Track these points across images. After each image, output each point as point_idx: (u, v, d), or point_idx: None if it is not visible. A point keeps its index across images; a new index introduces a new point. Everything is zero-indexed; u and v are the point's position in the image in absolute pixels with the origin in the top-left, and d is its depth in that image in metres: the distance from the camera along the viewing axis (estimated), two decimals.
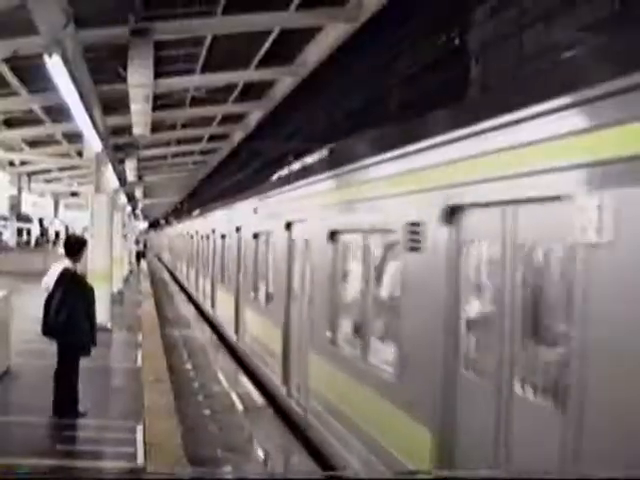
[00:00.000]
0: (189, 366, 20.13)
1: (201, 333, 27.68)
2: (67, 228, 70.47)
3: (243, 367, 20.70)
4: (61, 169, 42.89)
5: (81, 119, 18.05)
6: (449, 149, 8.11)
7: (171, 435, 12.42)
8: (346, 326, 12.09)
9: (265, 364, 17.75)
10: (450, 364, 7.97)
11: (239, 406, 15.81)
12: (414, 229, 8.89)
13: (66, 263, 13.37)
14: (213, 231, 24.46)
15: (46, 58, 12.28)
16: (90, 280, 24.86)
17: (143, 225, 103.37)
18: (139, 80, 15.36)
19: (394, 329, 9.76)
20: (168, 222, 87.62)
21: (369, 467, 10.01)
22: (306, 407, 13.72)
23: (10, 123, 27.43)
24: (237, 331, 22.74)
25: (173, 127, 30.21)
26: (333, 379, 12.15)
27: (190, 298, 39.90)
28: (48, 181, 48.12)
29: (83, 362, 18.54)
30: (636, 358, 5.17)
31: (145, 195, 54.46)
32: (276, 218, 16.90)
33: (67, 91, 14.84)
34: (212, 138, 36.44)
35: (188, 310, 35.88)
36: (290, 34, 19.06)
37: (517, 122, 6.76)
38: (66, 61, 12.72)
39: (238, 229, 22.83)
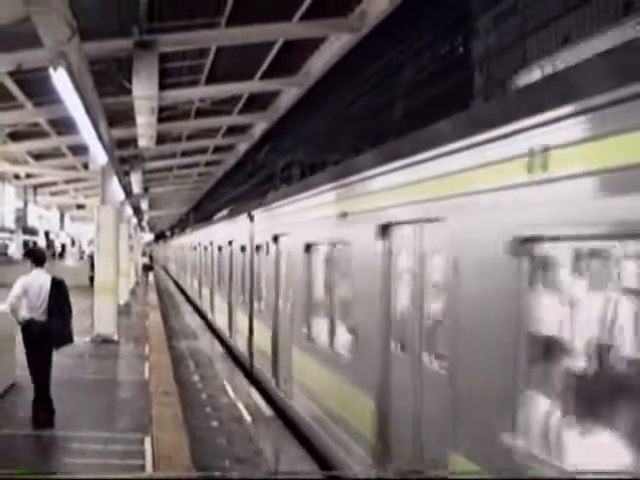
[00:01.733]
0: (196, 377, 20.08)
1: (207, 344, 27.62)
2: (73, 241, 70.56)
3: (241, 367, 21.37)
4: (67, 182, 42.96)
5: (87, 132, 18.08)
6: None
7: (179, 447, 12.41)
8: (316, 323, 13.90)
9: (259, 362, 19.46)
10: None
11: (247, 417, 15.77)
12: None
13: (44, 273, 13.63)
14: (230, 243, 24.99)
15: (51, 71, 12.31)
16: (96, 292, 25.09)
17: (149, 237, 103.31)
18: (144, 92, 15.39)
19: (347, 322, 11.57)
20: (174, 234, 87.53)
21: (330, 431, 12.04)
22: (290, 394, 15.55)
23: (15, 136, 27.47)
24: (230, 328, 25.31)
25: (178, 139, 30.26)
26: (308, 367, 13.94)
27: (196, 308, 39.99)
28: (54, 194, 48.18)
29: (91, 375, 18.68)
30: None
31: (151, 207, 54.54)
32: (267, 231, 18.21)
33: (72, 104, 14.88)
34: (217, 149, 36.49)
35: (194, 321, 35.83)
36: (294, 45, 19.12)
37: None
38: (71, 74, 12.75)
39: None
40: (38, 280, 13.45)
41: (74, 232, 69.47)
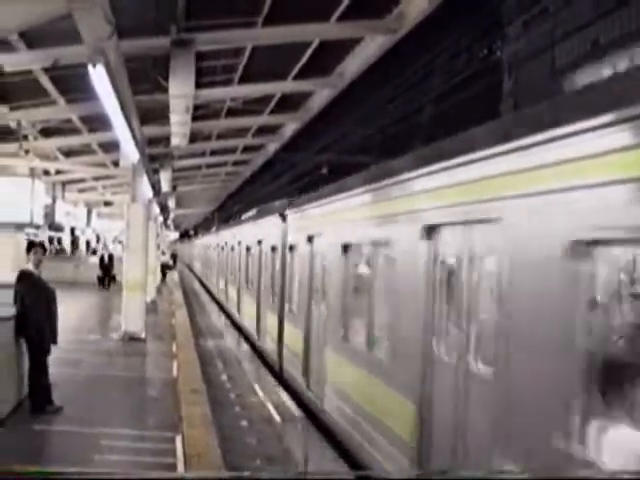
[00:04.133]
0: (224, 377, 20.06)
1: (233, 344, 27.62)
2: (98, 237, 70.67)
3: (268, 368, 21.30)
4: (95, 178, 43.06)
5: (120, 129, 18.10)
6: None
7: (210, 445, 12.38)
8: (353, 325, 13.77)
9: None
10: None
11: (276, 416, 15.74)
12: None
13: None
14: (259, 242, 24.86)
15: (90, 68, 12.31)
16: (125, 289, 25.11)
17: (174, 235, 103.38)
18: (180, 91, 15.35)
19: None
20: (199, 232, 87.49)
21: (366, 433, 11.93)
22: (321, 396, 15.36)
23: (46, 132, 27.52)
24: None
25: (208, 138, 30.22)
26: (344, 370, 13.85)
27: (221, 307, 39.93)
28: (82, 190, 48.30)
29: (119, 372, 18.69)
30: None
31: (177, 205, 54.59)
32: (301, 232, 18.11)
33: (108, 101, 14.89)
34: (246, 149, 36.46)
35: (219, 320, 35.85)
36: (329, 46, 19.04)
37: None
38: (109, 71, 12.75)
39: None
40: None
41: (99, 229, 69.53)
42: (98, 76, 12.73)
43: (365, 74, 20.61)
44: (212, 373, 20.12)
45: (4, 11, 10.45)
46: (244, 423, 15.06)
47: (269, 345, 22.20)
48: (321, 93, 23.65)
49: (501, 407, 7.40)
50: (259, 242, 24.78)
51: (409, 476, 7.68)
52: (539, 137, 6.88)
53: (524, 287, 7.02)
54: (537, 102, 9.37)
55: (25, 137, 26.63)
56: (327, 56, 19.92)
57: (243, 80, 21.06)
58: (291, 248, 19.55)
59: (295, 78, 21.50)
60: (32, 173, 32.73)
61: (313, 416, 15.67)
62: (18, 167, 31.00)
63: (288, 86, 22.45)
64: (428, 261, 9.65)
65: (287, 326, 19.61)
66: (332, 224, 15.16)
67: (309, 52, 19.22)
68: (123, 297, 24.91)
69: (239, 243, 31.45)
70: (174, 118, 18.52)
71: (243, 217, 34.77)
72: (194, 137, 27.43)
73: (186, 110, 17.33)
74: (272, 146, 35.15)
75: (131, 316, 24.63)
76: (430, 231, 9.52)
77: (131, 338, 23.84)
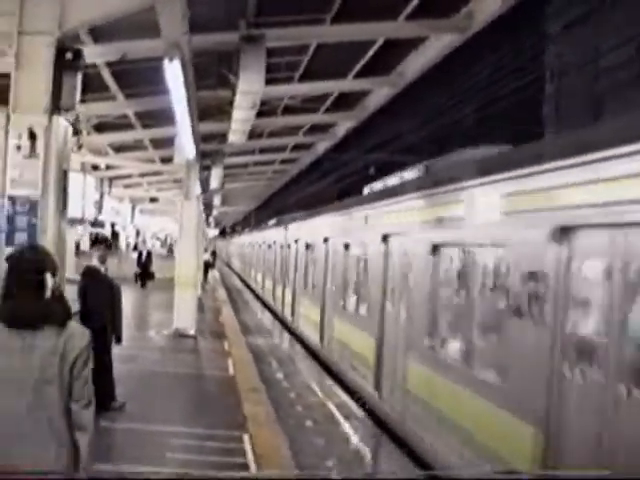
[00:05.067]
0: (281, 375, 19.95)
1: (284, 341, 27.54)
2: (138, 233, 70.87)
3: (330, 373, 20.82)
4: (141, 175, 43.02)
5: (183, 125, 18.06)
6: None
7: (278, 445, 12.29)
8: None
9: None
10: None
11: (338, 416, 15.60)
12: None
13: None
14: (325, 240, 23.38)
15: (165, 62, 12.24)
16: (177, 286, 25.11)
17: (213, 232, 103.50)
18: (250, 87, 15.20)
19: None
20: (242, 230, 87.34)
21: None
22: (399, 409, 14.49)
23: (100, 127, 27.49)
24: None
25: (260, 135, 30.06)
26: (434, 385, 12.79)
27: (267, 307, 39.64)
28: (127, 186, 48.31)
29: (175, 369, 18.65)
30: None
31: (222, 203, 54.59)
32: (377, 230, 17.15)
33: (178, 96, 14.82)
34: (296, 147, 36.30)
35: (265, 318, 35.82)
36: (392, 44, 18.84)
37: None
38: (184, 66, 12.68)
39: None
40: None
41: (140, 225, 69.67)
42: (173, 70, 12.65)
43: (427, 74, 20.35)
44: (267, 372, 19.99)
45: (88, 4, 10.37)
46: (309, 423, 14.92)
47: (336, 352, 20.79)
48: (379, 92, 23.43)
49: None
50: (325, 240, 23.75)
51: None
52: None
53: None
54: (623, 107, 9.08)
55: (79, 132, 26.60)
56: (389, 55, 19.70)
57: (304, 78, 20.92)
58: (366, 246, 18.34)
59: (356, 77, 21.31)
60: (83, 168, 32.82)
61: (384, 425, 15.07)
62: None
63: (348, 85, 22.27)
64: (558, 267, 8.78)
65: (357, 333, 18.58)
66: (417, 224, 14.19)
67: (372, 51, 19.03)
68: (175, 293, 24.92)
69: (296, 241, 30.65)
70: (238, 115, 18.33)
71: (300, 215, 33.65)
72: (249, 134, 27.26)
73: (252, 107, 17.18)
74: (322, 145, 34.97)
75: (182, 313, 24.65)
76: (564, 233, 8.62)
77: (181, 335, 23.85)
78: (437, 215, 13.00)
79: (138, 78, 19.40)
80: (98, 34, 15.01)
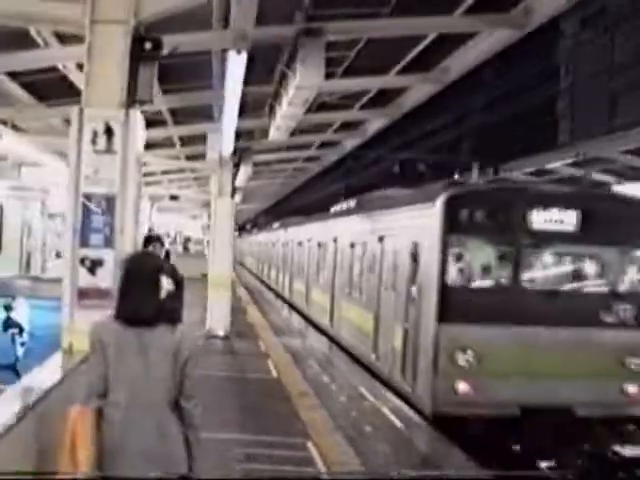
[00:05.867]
0: (325, 378, 19.35)
1: (318, 342, 27.00)
2: (150, 229, 70.50)
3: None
4: (164, 172, 42.60)
5: (228, 120, 17.69)
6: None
7: (343, 452, 11.91)
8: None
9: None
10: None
11: (396, 422, 15.08)
12: None
13: None
14: (380, 239, 22.33)
15: (231, 54, 11.81)
16: (210, 286, 24.75)
17: None
18: (307, 82, 14.66)
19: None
20: (259, 227, 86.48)
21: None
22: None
23: None
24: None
25: (292, 133, 29.54)
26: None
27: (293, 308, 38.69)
28: (148, 184, 47.85)
29: (217, 372, 18.22)
30: None
31: (243, 200, 54.07)
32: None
33: (233, 90, 14.42)
34: (322, 145, 35.71)
35: (293, 317, 35.33)
36: (440, 39, 18.33)
37: None
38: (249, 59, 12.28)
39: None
40: None
41: (157, 223, 69.31)
42: (238, 63, 12.23)
43: (474, 70, 19.85)
44: (309, 373, 19.53)
45: None
46: (368, 429, 14.40)
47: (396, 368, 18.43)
48: (418, 89, 22.87)
49: None
50: (380, 239, 21.41)
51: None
52: None
53: None
54: None
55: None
56: (434, 51, 19.20)
57: (346, 74, 20.41)
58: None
59: (398, 73, 20.82)
60: None
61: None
62: None
63: (389, 81, 21.78)
64: None
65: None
66: None
67: (422, 45, 18.52)
68: (209, 294, 24.59)
69: (335, 240, 28.46)
70: (287, 110, 17.79)
71: (340, 210, 32.16)
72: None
73: (304, 103, 16.71)
74: (349, 143, 34.46)
75: (215, 313, 24.32)
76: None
77: (213, 336, 23.51)
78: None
79: (179, 73, 18.95)
80: (150, 26, 14.63)
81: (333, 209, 35.20)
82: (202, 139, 26.70)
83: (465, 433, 14.60)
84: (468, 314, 15.38)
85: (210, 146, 24.58)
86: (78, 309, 9.22)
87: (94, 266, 9.06)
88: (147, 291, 5.88)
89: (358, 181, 50.61)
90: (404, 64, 20.07)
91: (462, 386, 15.10)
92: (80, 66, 17.86)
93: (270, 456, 11.53)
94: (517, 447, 15.18)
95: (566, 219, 16.04)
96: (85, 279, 9.17)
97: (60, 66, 17.63)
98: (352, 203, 30.27)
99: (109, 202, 9.18)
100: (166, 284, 6.11)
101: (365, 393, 17.47)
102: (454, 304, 15.51)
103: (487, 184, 21.02)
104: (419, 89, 22.94)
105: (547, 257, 16.95)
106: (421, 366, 15.92)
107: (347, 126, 30.57)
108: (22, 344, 15.70)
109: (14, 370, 15.49)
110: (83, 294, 9.15)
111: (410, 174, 38.32)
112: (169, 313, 6.04)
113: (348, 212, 29.36)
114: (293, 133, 28.56)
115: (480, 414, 15.05)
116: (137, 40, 9.60)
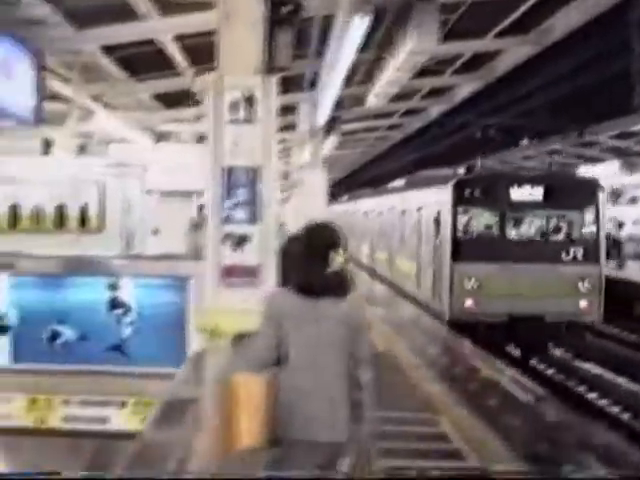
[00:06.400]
0: (432, 349, 18.89)
1: (405, 309, 26.61)
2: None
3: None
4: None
5: (331, 89, 17.36)
6: None
7: (474, 426, 11.49)
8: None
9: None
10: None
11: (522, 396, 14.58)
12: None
13: None
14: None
15: (356, 20, 11.41)
16: None
17: None
18: (421, 46, 14.29)
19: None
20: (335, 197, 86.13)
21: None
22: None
23: None
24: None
25: None
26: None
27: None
28: None
29: None
30: None
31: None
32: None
33: (346, 57, 14.05)
34: (406, 112, 35.19)
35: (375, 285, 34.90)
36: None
37: None
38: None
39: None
40: None
41: None
42: (360, 28, 11.83)
43: (578, 30, 19.20)
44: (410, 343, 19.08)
45: None
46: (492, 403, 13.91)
47: (429, 295, 26.51)
48: (516, 51, 22.30)
49: None
50: (418, 209, 28.16)
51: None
52: None
53: None
54: None
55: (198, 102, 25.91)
56: (535, 12, 18.64)
57: (446, 38, 19.91)
58: None
59: (496, 36, 20.30)
60: (199, 139, 32.19)
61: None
62: (182, 133, 30.29)
63: (486, 45, 21.30)
64: None
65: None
66: None
67: (524, 7, 18.01)
68: None
69: (391, 209, 34.60)
70: (391, 76, 17.42)
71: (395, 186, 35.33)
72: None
73: (413, 68, 16.33)
74: (435, 109, 33.95)
75: None
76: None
77: None
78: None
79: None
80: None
81: (393, 184, 42.51)
82: (291, 110, 26.37)
83: (471, 333, 20.86)
84: (472, 255, 23.05)
85: (302, 116, 24.32)
86: (224, 288, 8.88)
87: (240, 242, 8.75)
88: (323, 262, 5.98)
89: (440, 149, 49.98)
90: (504, 26, 19.57)
91: (468, 302, 22.71)
92: (179, 38, 17.67)
93: (403, 432, 11.10)
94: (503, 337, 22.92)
95: (535, 193, 23.29)
96: (230, 257, 8.85)
97: (155, 39, 17.41)
98: (403, 181, 38.18)
99: (253, 174, 8.85)
100: (339, 256, 6.05)
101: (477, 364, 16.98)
102: (462, 249, 23.17)
103: (481, 173, 28.42)
104: (514, 52, 22.40)
105: (523, 218, 24.16)
106: (442, 290, 23.55)
107: (435, 92, 30.05)
108: (131, 323, 15.51)
109: (120, 350, 15.31)
110: (229, 272, 8.84)
111: (495, 139, 37.81)
112: (339, 285, 6.04)
113: (405, 187, 36.19)
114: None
115: (481, 320, 22.51)
116: (274, 3, 9.21)
